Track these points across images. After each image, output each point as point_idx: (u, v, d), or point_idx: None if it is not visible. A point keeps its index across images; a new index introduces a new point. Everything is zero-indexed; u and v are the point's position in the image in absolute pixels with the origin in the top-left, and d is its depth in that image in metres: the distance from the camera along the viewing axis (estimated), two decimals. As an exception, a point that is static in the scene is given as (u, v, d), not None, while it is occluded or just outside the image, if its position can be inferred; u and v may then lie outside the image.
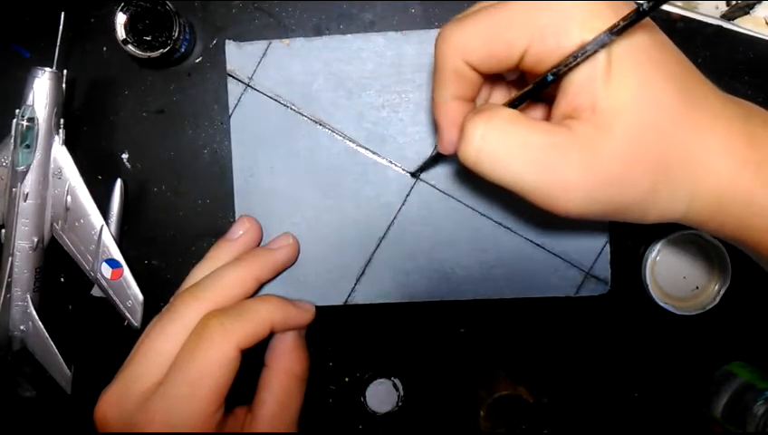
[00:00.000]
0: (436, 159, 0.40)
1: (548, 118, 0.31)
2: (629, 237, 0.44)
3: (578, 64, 0.27)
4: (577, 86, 0.27)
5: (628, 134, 0.27)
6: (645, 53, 0.27)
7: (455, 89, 0.31)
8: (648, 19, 0.27)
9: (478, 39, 0.29)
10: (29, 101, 0.39)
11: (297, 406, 0.38)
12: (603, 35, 0.26)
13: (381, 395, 0.44)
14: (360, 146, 0.42)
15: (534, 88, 0.29)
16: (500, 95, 0.35)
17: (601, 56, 0.26)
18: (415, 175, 0.42)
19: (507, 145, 0.28)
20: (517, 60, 0.28)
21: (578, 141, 0.27)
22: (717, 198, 0.28)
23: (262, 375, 0.38)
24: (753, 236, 0.28)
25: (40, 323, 0.42)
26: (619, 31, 0.26)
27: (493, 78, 0.33)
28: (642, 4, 0.25)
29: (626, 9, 0.26)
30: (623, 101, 0.27)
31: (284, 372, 0.38)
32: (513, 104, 0.30)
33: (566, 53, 0.27)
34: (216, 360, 0.33)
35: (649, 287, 0.42)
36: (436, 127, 0.33)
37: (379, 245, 0.42)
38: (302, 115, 0.42)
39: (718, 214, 0.28)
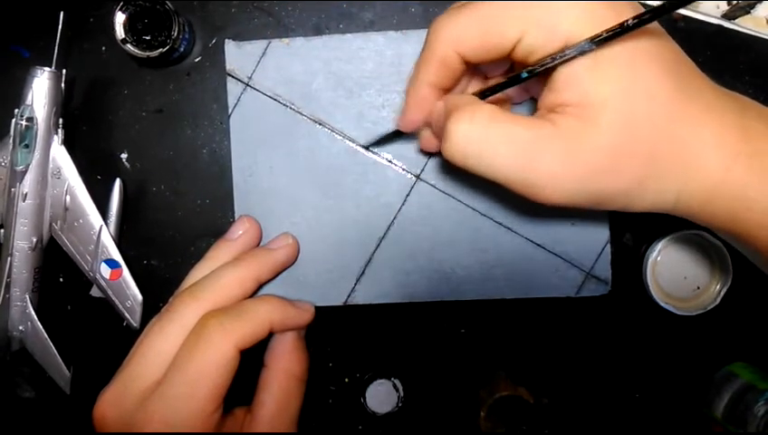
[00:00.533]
0: (394, 135, 0.41)
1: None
2: (630, 237, 0.44)
3: (556, 66, 0.27)
4: (565, 82, 0.28)
5: (612, 126, 0.27)
6: (640, 47, 0.27)
7: (435, 77, 0.32)
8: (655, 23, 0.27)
9: (473, 29, 0.29)
10: (28, 101, 0.39)
11: (296, 407, 0.37)
12: (584, 43, 0.26)
13: (381, 396, 0.44)
14: (360, 146, 0.42)
15: (508, 82, 0.30)
16: (474, 87, 0.36)
17: (590, 55, 0.27)
18: (368, 148, 0.42)
19: (492, 141, 0.28)
20: (509, 50, 0.29)
21: (561, 134, 0.27)
22: (708, 191, 0.28)
23: (261, 376, 0.38)
24: (745, 229, 0.28)
25: (39, 323, 0.42)
26: (600, 41, 0.26)
27: (472, 71, 0.34)
28: (628, 21, 0.25)
29: (623, 8, 0.26)
30: (609, 95, 0.27)
31: (284, 372, 0.37)
32: (483, 94, 0.31)
33: (558, 47, 0.27)
34: (215, 360, 0.33)
35: (650, 288, 0.42)
36: (403, 106, 0.34)
37: (379, 245, 0.42)
38: (302, 115, 0.42)
39: (708, 207, 0.28)
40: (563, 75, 0.28)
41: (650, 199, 0.29)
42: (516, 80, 0.29)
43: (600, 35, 0.26)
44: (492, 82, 0.35)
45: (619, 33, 0.26)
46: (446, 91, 0.33)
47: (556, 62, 0.27)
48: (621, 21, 0.26)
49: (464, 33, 0.30)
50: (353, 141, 0.42)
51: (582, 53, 0.26)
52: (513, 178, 0.29)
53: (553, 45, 0.27)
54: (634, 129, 0.27)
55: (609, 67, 0.27)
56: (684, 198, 0.28)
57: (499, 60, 0.30)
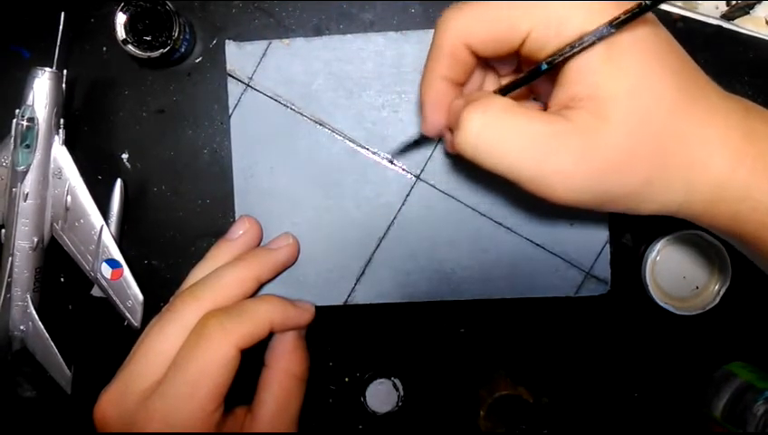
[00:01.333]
0: (418, 141, 0.40)
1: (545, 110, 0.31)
2: (630, 237, 0.44)
3: (574, 55, 0.27)
4: (576, 75, 0.27)
5: (625, 124, 0.27)
6: (646, 45, 0.27)
7: (447, 70, 0.31)
8: (650, 14, 0.27)
9: (482, 21, 0.29)
10: (29, 101, 0.39)
11: (297, 406, 0.38)
12: (603, 27, 0.26)
13: (381, 395, 0.44)
14: (360, 146, 0.42)
15: (528, 76, 0.29)
16: (491, 84, 0.35)
17: (601, 47, 0.27)
18: (394, 158, 0.42)
19: (505, 134, 0.28)
20: (518, 44, 0.29)
21: (575, 130, 0.27)
22: (713, 191, 0.28)
23: (262, 375, 0.38)
24: (748, 230, 0.28)
25: (40, 323, 0.42)
26: (619, 24, 0.26)
27: (484, 66, 0.34)
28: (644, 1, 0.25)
29: (629, 6, 0.27)
30: (622, 90, 0.27)
31: (284, 372, 0.38)
32: (504, 91, 0.31)
33: (567, 42, 0.27)
34: (215, 360, 0.33)
35: (649, 287, 0.42)
36: (420, 108, 0.34)
37: (379, 245, 0.42)
38: (302, 115, 0.42)
39: (713, 207, 0.28)
40: (575, 68, 0.27)
41: (657, 201, 0.29)
42: (536, 73, 0.28)
43: (619, 18, 0.26)
44: (504, 82, 0.35)
45: (637, 13, 0.25)
46: (461, 85, 0.33)
47: (575, 50, 0.26)
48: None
49: (472, 26, 0.29)
50: (353, 141, 0.42)
51: (601, 38, 0.26)
52: (525, 175, 0.28)
53: (562, 41, 0.27)
54: (643, 126, 0.27)
55: (620, 59, 0.27)
56: (690, 198, 0.28)
57: (508, 55, 0.30)
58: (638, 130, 0.27)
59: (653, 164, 0.27)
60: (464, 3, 0.30)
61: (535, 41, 0.28)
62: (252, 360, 0.36)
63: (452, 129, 0.34)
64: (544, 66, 0.28)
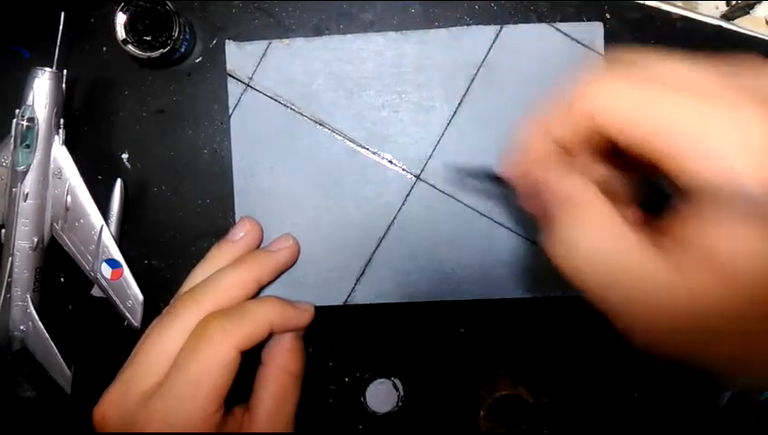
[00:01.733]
0: (489, 177, 0.35)
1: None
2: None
3: (716, 213, 0.22)
4: (707, 217, 0.22)
5: (742, 289, 0.22)
6: None
7: (563, 138, 0.27)
8: None
9: (626, 114, 0.24)
10: (29, 101, 0.39)
11: (293, 404, 0.38)
12: (754, 196, 0.21)
13: (381, 395, 0.44)
14: (360, 146, 0.42)
15: (654, 204, 0.26)
16: (591, 163, 0.29)
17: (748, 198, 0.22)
18: (460, 173, 0.41)
19: (604, 255, 0.25)
20: (650, 156, 0.23)
21: (685, 280, 0.23)
22: None
23: (258, 373, 0.38)
24: None
25: (40, 323, 0.42)
26: None
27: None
28: None
29: None
30: (746, 254, 0.22)
31: (281, 369, 0.38)
32: (613, 195, 0.26)
33: (710, 176, 0.22)
34: (216, 361, 0.33)
35: (649, 287, 0.42)
36: (512, 148, 0.29)
37: (379, 245, 0.42)
38: (302, 115, 0.42)
39: None
40: (709, 212, 0.22)
41: (757, 372, 0.25)
42: (665, 201, 0.24)
43: None
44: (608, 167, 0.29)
45: None
46: (573, 156, 0.28)
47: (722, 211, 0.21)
48: None
49: (614, 114, 0.24)
50: (353, 141, 0.42)
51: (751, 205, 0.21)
52: (610, 303, 0.25)
53: (708, 173, 0.22)
54: (759, 296, 0.22)
55: (758, 223, 0.21)
56: None
57: (637, 157, 0.24)
58: (752, 298, 0.22)
59: (757, 335, 0.23)
60: (616, 71, 0.25)
61: (674, 162, 0.22)
62: (252, 360, 0.36)
63: (527, 189, 0.30)
64: (676, 204, 0.23)
